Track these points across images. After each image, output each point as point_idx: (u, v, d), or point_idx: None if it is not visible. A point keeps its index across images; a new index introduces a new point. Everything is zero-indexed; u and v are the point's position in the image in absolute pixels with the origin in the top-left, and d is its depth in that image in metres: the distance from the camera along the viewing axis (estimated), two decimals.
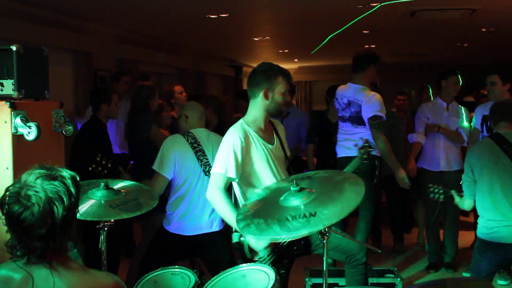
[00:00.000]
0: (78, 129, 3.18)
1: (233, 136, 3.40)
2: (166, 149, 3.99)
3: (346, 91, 5.50)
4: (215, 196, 3.38)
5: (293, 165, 6.63)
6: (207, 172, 3.92)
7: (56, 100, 3.23)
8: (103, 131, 4.93)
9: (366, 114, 5.27)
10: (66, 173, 1.95)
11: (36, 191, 1.86)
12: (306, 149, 7.04)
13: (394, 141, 6.17)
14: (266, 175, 3.45)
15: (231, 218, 3.26)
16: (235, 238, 3.41)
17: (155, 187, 3.88)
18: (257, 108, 3.52)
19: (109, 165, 3.95)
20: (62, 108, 3.15)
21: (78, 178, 1.99)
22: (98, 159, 3.92)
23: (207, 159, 3.95)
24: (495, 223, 3.84)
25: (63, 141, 3.18)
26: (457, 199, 4.24)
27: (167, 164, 3.93)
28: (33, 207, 1.84)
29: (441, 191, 4.28)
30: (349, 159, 5.39)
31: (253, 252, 3.36)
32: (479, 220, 4.00)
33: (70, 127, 3.10)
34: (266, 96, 3.46)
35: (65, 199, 1.89)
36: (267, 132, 3.57)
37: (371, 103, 5.26)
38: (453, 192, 4.26)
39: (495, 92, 5.39)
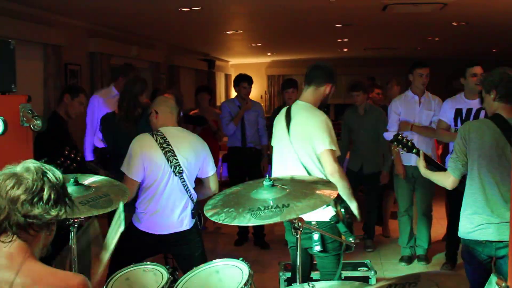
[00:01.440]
0: (46, 124, 3.09)
1: (326, 117, 3.79)
2: (133, 150, 3.83)
3: None
4: (341, 171, 3.71)
5: (252, 157, 6.79)
6: (177, 173, 3.82)
7: (26, 94, 3.15)
8: (61, 125, 4.80)
9: None
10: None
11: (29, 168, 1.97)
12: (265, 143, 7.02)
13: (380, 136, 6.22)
14: None
15: (349, 190, 3.70)
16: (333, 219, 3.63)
17: None
18: (318, 96, 3.88)
19: (79, 158, 3.87)
20: (30, 102, 3.07)
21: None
22: (67, 152, 3.84)
23: (177, 159, 3.81)
24: (482, 219, 3.47)
25: (31, 136, 3.09)
26: (421, 164, 3.88)
27: (135, 166, 3.79)
28: (23, 180, 1.93)
29: (408, 144, 4.05)
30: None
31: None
32: (461, 216, 3.60)
33: (38, 122, 3.01)
34: (328, 90, 3.89)
35: (51, 183, 1.99)
36: None
37: None
38: (421, 152, 3.93)
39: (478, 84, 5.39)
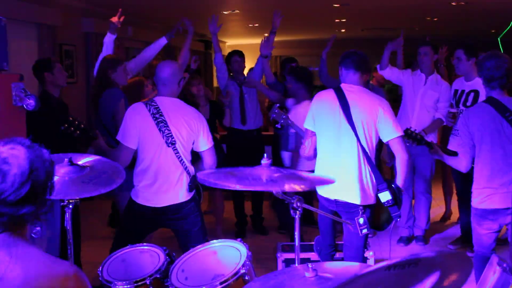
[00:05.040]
0: (40, 104, 3.03)
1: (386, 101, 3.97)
2: (128, 119, 3.85)
3: None
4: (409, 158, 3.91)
5: (253, 141, 6.44)
6: (169, 144, 3.80)
7: (18, 73, 3.09)
8: (51, 104, 4.76)
9: None
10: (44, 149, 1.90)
11: (15, 156, 1.78)
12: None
13: None
14: None
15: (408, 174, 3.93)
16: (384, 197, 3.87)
17: (120, 157, 3.78)
18: (363, 82, 3.98)
19: (82, 126, 3.85)
20: (23, 81, 3.01)
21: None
22: (71, 119, 3.81)
23: (169, 130, 3.78)
24: (491, 190, 3.82)
25: (24, 115, 3.04)
26: (436, 153, 4.15)
27: (129, 134, 3.80)
28: (8, 171, 1.76)
29: (418, 137, 4.18)
30: None
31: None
32: (474, 189, 3.94)
33: (31, 101, 2.96)
34: (367, 78, 4.07)
35: (41, 171, 1.82)
36: None
37: None
38: (432, 143, 4.15)
39: (460, 67, 5.48)
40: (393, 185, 3.89)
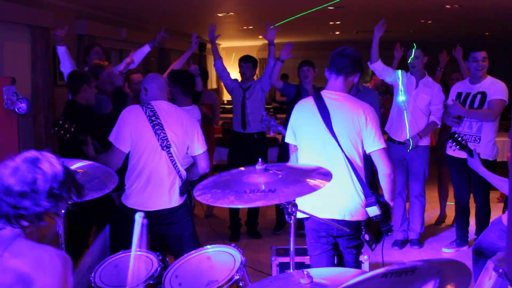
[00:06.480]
0: (32, 107, 3.01)
1: (372, 107, 3.60)
2: (122, 121, 3.81)
3: None
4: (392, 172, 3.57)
5: (254, 145, 6.41)
6: (164, 147, 3.77)
7: (10, 76, 3.06)
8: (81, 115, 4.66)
9: None
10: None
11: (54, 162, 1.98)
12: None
13: None
14: None
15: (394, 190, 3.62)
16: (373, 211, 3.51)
17: (112, 160, 3.74)
18: (348, 85, 3.63)
19: (72, 129, 3.81)
20: (14, 84, 2.98)
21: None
22: (61, 122, 3.78)
23: (164, 133, 3.77)
24: None
25: (16, 119, 3.01)
26: (477, 163, 4.06)
27: (123, 136, 3.76)
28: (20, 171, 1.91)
29: (463, 143, 4.13)
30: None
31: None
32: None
33: (23, 105, 2.93)
34: (356, 79, 3.66)
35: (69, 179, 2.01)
36: None
37: None
38: (475, 151, 4.10)
39: (484, 67, 5.45)
40: (380, 199, 3.55)
